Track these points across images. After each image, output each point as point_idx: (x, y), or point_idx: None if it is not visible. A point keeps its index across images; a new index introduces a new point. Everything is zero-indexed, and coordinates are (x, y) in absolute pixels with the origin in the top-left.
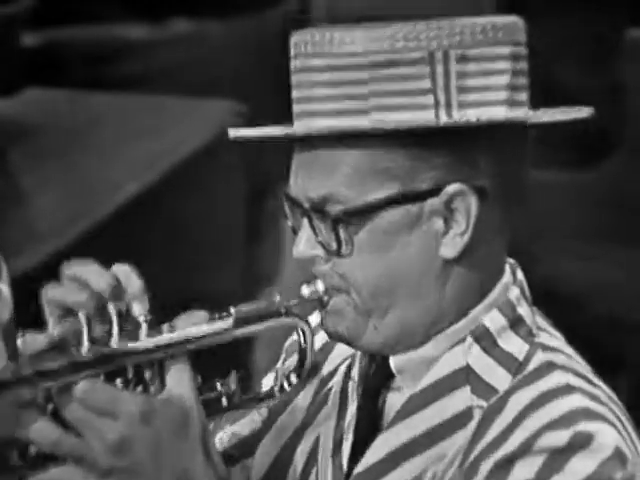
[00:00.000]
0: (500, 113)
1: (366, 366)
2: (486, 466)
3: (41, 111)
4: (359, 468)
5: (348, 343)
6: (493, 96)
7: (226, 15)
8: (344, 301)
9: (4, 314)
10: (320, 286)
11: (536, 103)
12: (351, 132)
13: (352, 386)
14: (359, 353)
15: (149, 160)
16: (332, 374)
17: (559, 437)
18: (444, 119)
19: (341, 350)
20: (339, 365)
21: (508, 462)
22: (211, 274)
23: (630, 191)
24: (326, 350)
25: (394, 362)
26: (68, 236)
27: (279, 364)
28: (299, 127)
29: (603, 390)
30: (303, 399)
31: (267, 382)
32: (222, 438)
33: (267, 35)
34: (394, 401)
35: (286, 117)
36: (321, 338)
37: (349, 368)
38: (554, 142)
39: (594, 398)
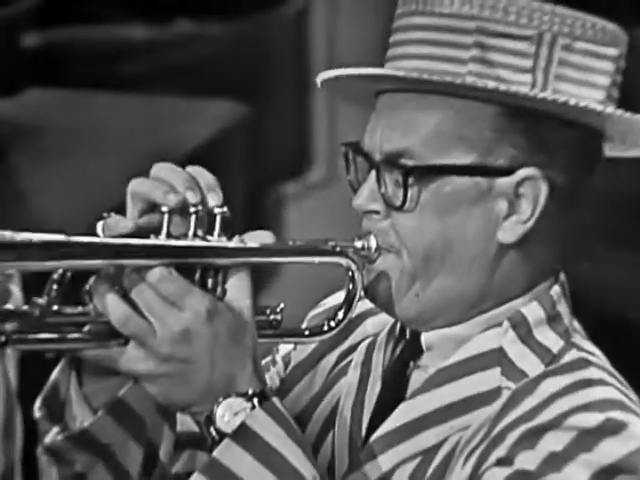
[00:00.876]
0: (597, 108)
1: (395, 339)
2: (514, 435)
3: (42, 112)
4: (378, 433)
5: (384, 306)
6: (589, 93)
7: (228, 16)
8: (393, 261)
9: None
10: (372, 242)
11: None
12: (449, 85)
13: (376, 358)
14: (384, 330)
15: (150, 160)
16: (353, 348)
17: (591, 418)
18: (541, 96)
19: (365, 328)
20: (361, 341)
21: (537, 432)
22: None
23: (638, 193)
24: (351, 326)
25: (425, 337)
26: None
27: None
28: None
29: (633, 395)
30: (326, 362)
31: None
32: None
33: (269, 36)
34: (418, 377)
35: (288, 117)
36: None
37: (370, 345)
38: None
39: (627, 397)
